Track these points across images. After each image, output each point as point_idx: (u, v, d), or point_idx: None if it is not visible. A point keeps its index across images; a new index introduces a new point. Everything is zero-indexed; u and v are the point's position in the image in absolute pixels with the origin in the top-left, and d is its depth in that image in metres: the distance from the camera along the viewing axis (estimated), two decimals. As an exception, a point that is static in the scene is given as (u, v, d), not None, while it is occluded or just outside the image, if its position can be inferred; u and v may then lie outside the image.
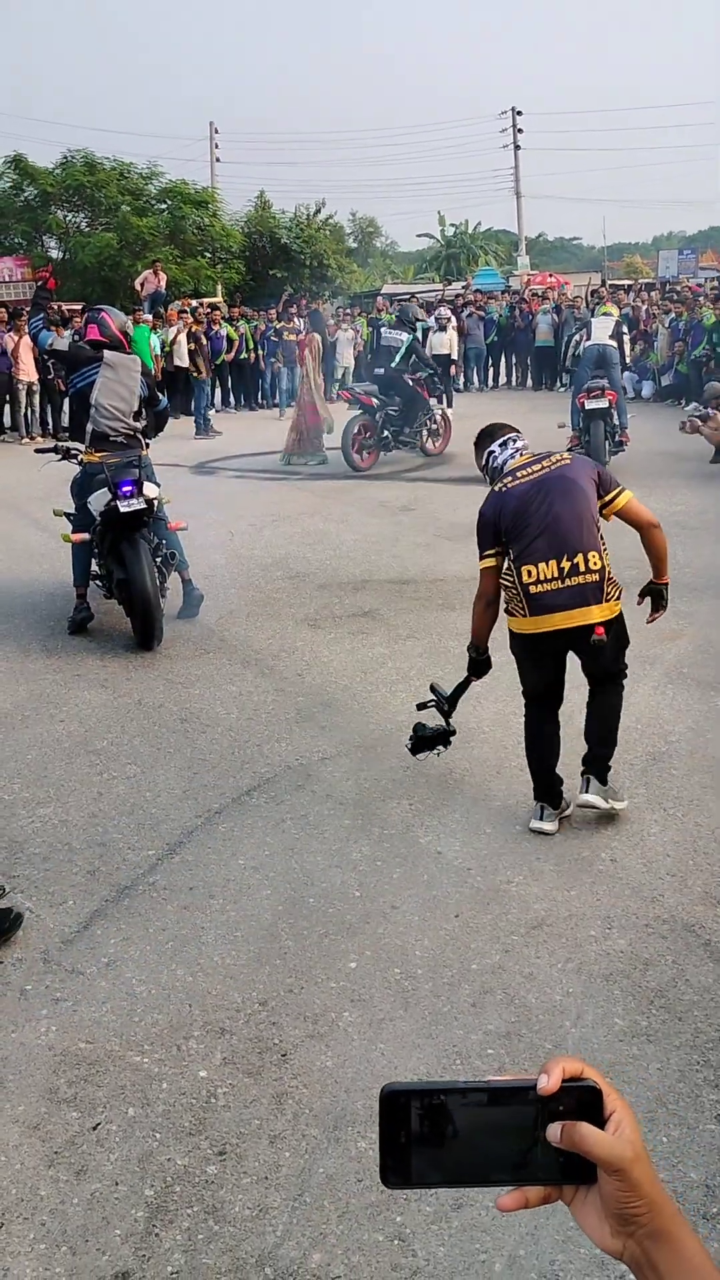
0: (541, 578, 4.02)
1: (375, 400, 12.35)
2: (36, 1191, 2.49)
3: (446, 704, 4.64)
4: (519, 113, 41.06)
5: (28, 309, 11.89)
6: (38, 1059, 2.94)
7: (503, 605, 4.31)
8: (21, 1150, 2.62)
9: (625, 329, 13.81)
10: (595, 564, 4.01)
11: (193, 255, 30.10)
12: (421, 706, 4.70)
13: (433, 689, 4.71)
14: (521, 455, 4.34)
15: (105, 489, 6.19)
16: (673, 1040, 2.95)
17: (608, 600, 4.06)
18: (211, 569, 7.91)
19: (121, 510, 6.11)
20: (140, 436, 6.69)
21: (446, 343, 18.38)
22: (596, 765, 4.20)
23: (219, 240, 31.15)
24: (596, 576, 4.01)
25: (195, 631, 6.72)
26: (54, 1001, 3.18)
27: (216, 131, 39.78)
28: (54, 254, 30.63)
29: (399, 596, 7.38)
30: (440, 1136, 0.74)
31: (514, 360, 22.67)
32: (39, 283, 7.85)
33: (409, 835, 4.12)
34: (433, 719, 4.63)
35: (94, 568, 6.77)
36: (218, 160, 39.53)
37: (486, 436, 4.51)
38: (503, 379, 22.92)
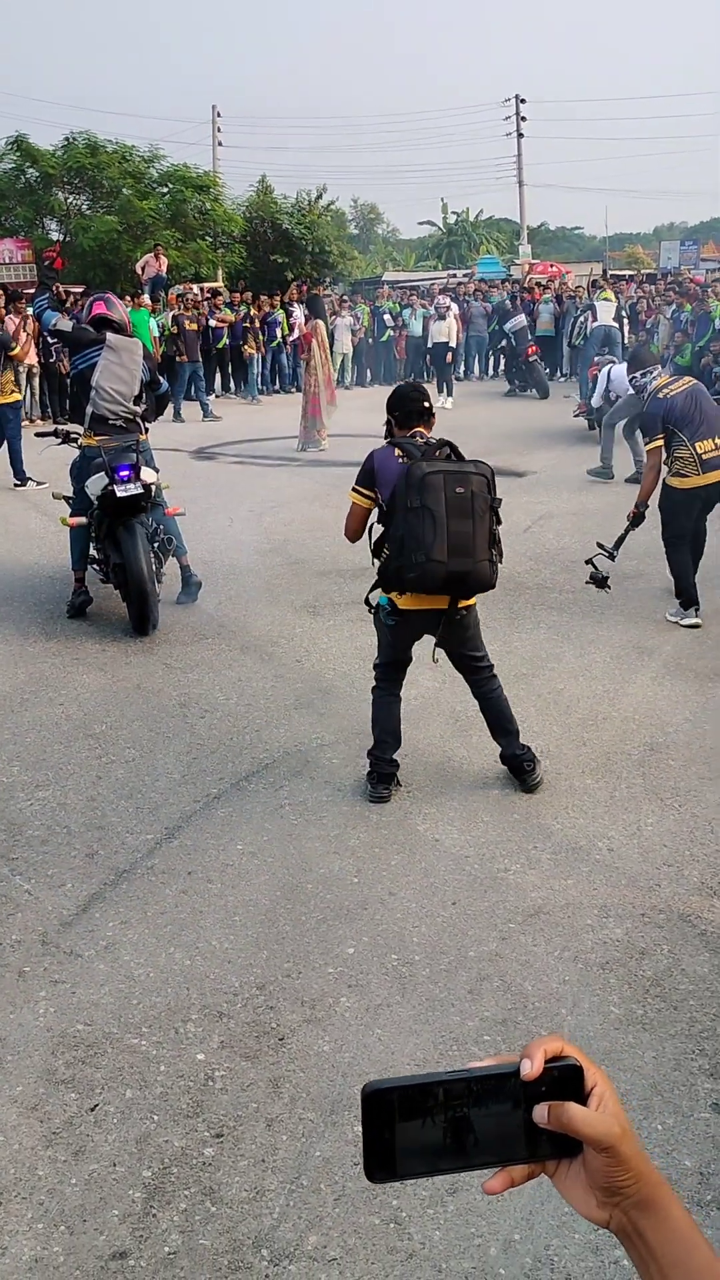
0: (708, 450, 6.23)
1: None
2: (35, 1171, 2.51)
3: (612, 552, 6.41)
4: (522, 100, 40.85)
5: (28, 292, 11.88)
6: (36, 1040, 2.95)
7: (667, 472, 6.38)
8: (20, 1131, 2.63)
9: (625, 314, 14.77)
10: None
11: (194, 239, 29.95)
12: (589, 561, 6.30)
13: (599, 545, 6.36)
14: (663, 377, 6.71)
15: (103, 473, 6.17)
16: (668, 1029, 2.97)
17: None
18: (211, 554, 7.91)
19: (119, 495, 6.09)
20: (140, 421, 6.67)
21: (445, 331, 18.30)
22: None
23: (220, 224, 30.98)
24: None
25: (194, 617, 6.72)
26: (52, 984, 3.19)
27: (219, 115, 39.57)
28: (55, 236, 30.47)
29: (398, 584, 7.37)
30: (424, 1128, 0.74)
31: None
32: (46, 262, 7.83)
33: (407, 822, 4.14)
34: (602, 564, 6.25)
35: (92, 552, 6.76)
36: (220, 144, 39.34)
37: (635, 362, 7.20)
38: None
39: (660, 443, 6.30)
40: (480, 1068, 0.76)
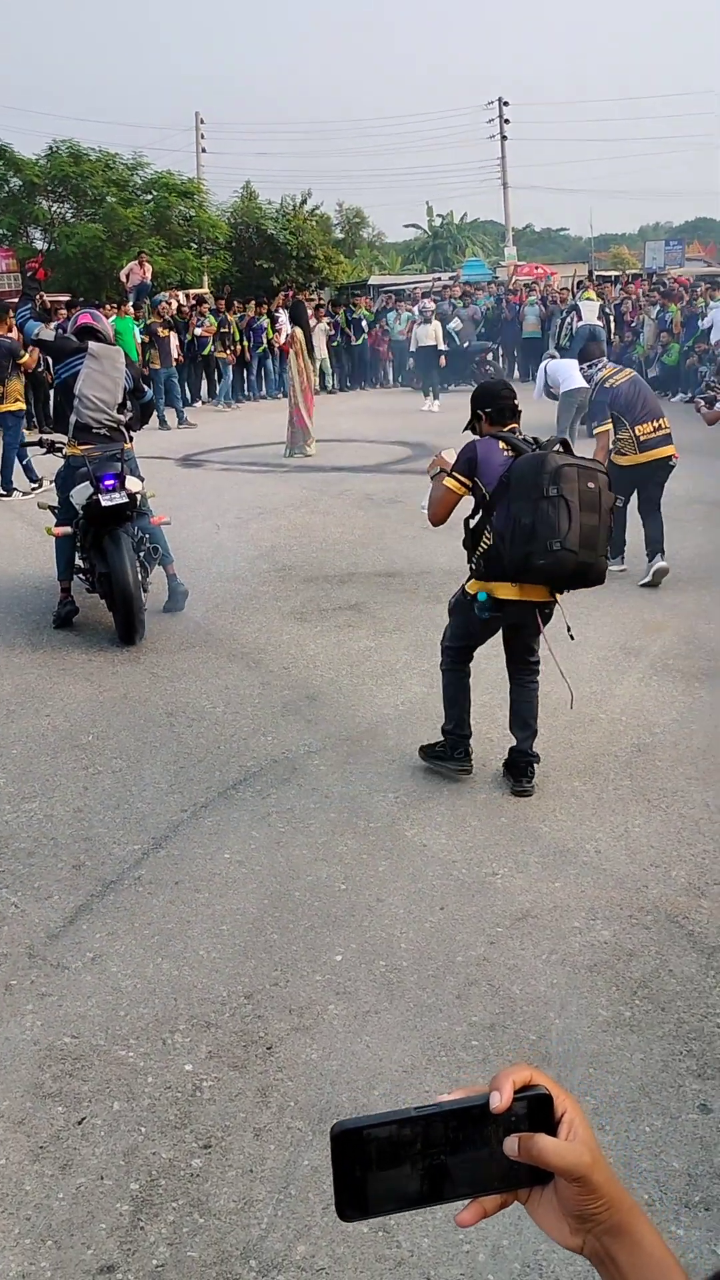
0: (647, 432, 7.08)
1: None
2: (21, 1186, 2.50)
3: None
4: (506, 103, 40.97)
5: (12, 301, 11.84)
6: (22, 1054, 2.94)
7: (616, 450, 7.12)
8: (6, 1145, 2.62)
9: (609, 313, 15.33)
10: (668, 425, 7.18)
11: (179, 246, 29.96)
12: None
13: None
14: (608, 369, 7.51)
15: (87, 483, 6.16)
16: (656, 1030, 2.97)
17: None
18: (197, 563, 7.90)
19: (104, 504, 6.08)
20: (124, 430, 6.66)
21: (432, 334, 18.33)
22: (654, 547, 7.29)
23: (205, 231, 31.00)
24: (669, 429, 7.20)
25: (181, 625, 6.71)
26: (39, 996, 3.18)
27: (202, 122, 39.58)
28: (39, 245, 30.42)
29: (385, 589, 7.38)
30: (394, 1165, 0.74)
31: (500, 351, 22.65)
32: (29, 272, 7.83)
33: (395, 828, 4.13)
34: None
35: (77, 561, 6.75)
36: (204, 151, 39.36)
37: (584, 355, 8.41)
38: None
39: (609, 426, 7.17)
40: (449, 1102, 0.76)
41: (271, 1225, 2.37)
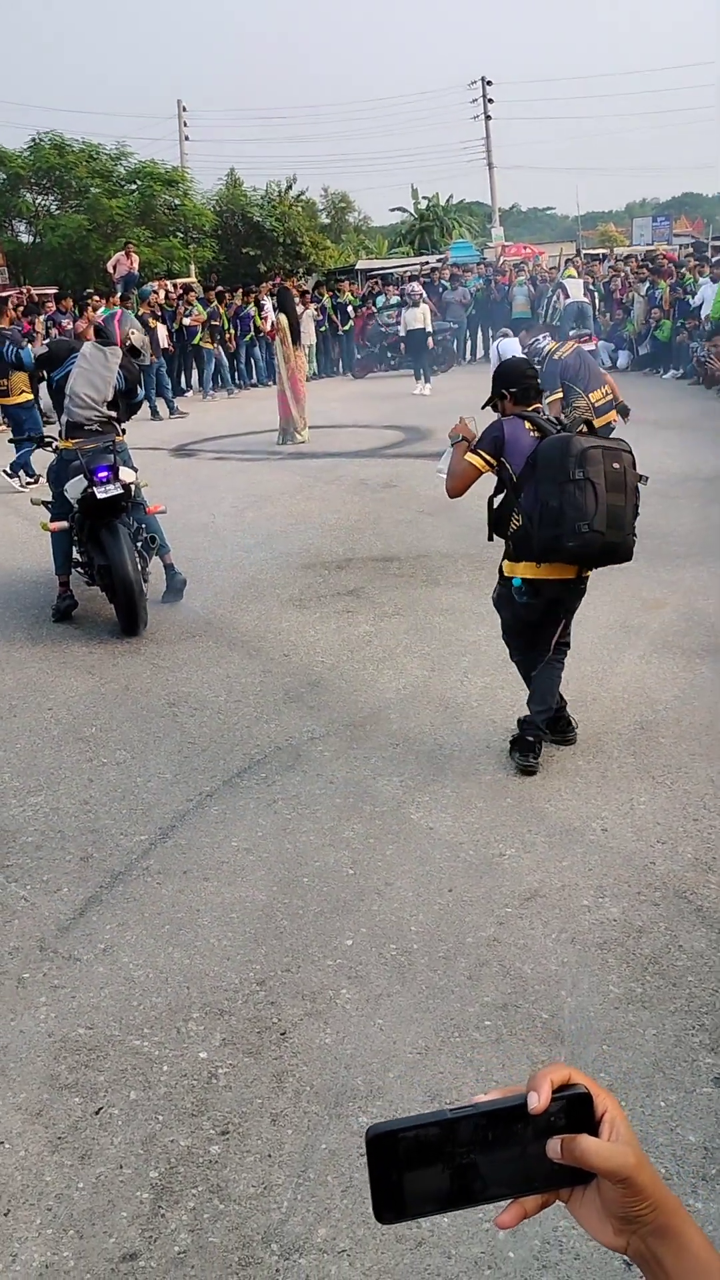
0: (599, 398, 7.84)
1: None
2: (41, 1177, 2.51)
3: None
4: (489, 83, 40.73)
5: (10, 294, 11.83)
6: (38, 1046, 2.95)
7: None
8: (25, 1137, 2.63)
9: (594, 289, 15.83)
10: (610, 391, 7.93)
11: (165, 235, 29.82)
12: None
13: None
14: (553, 343, 8.23)
15: (81, 476, 6.15)
16: (668, 1006, 2.98)
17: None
18: (194, 552, 7.89)
19: (98, 496, 6.07)
20: (115, 422, 6.65)
21: (420, 318, 18.25)
22: None
23: (191, 220, 30.85)
24: (614, 396, 7.95)
25: (180, 615, 6.71)
26: (52, 989, 3.19)
27: (185, 110, 39.33)
28: (24, 238, 30.30)
29: (383, 574, 7.37)
30: (431, 1167, 0.73)
31: (490, 333, 22.57)
32: None
33: (400, 812, 4.14)
34: None
35: (75, 555, 6.74)
36: (187, 139, 39.12)
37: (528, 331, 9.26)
38: (480, 352, 22.83)
39: (560, 395, 7.81)
40: (486, 1102, 0.74)
41: (291, 1209, 2.38)
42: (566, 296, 16.01)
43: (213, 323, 18.72)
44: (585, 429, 4.34)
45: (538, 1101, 0.73)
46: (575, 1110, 0.75)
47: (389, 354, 20.45)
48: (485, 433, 4.44)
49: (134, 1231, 2.35)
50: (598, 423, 7.75)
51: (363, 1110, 2.66)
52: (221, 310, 19.19)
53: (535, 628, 4.53)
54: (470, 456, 4.44)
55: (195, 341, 18.77)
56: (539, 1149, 0.74)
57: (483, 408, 4.72)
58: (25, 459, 11.06)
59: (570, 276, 17.55)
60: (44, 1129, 2.66)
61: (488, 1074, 2.76)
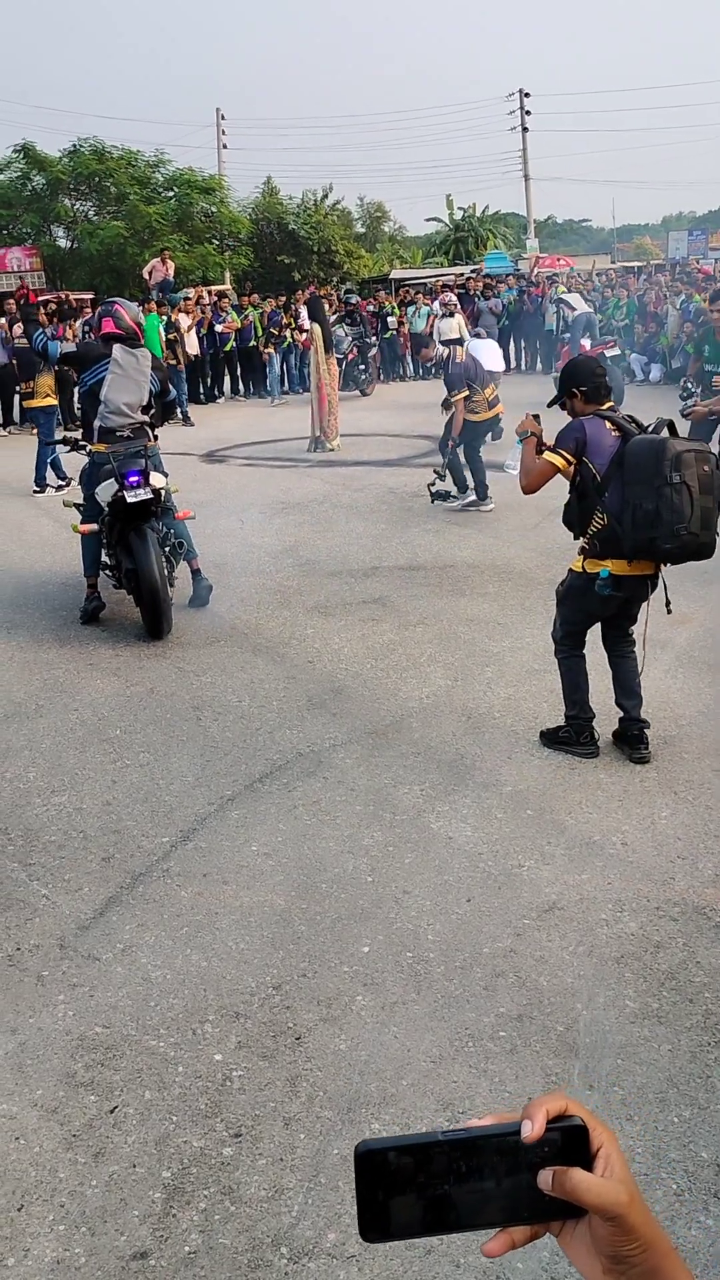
0: (490, 394, 9.47)
1: None
2: (55, 1174, 2.53)
3: (440, 472, 9.69)
4: (527, 94, 40.79)
5: (35, 300, 11.94)
6: (55, 1044, 2.98)
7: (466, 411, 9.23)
8: (40, 1133, 2.66)
9: (592, 300, 18.79)
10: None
11: (201, 242, 30.04)
12: (430, 484, 9.71)
13: (435, 470, 9.75)
14: (460, 350, 9.59)
15: (113, 479, 6.20)
16: (684, 1021, 2.97)
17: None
18: (221, 557, 7.93)
19: (128, 500, 6.12)
20: (148, 427, 6.70)
21: (454, 328, 18.25)
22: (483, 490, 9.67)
23: (227, 227, 31.07)
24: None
25: (206, 620, 6.75)
26: (71, 987, 3.22)
27: (223, 118, 39.64)
28: (62, 243, 30.58)
29: (409, 583, 7.39)
30: (419, 1189, 0.71)
31: (523, 344, 22.57)
32: (21, 300, 7.93)
33: (420, 821, 4.15)
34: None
35: (104, 558, 6.80)
36: (225, 147, 39.42)
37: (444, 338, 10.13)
38: (512, 363, 22.83)
39: (466, 393, 9.26)
40: (479, 1128, 0.73)
41: (302, 1213, 2.39)
42: (573, 310, 17.00)
43: (272, 329, 18.82)
44: (668, 431, 4.36)
45: (531, 1130, 0.71)
46: (570, 1142, 0.73)
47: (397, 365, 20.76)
48: (566, 432, 4.47)
49: (145, 1230, 2.37)
50: (488, 414, 9.54)
51: (375, 1117, 2.67)
52: (253, 315, 19.29)
53: (605, 621, 4.64)
54: (550, 455, 4.47)
55: (226, 348, 18.88)
56: (531, 1179, 0.72)
57: (549, 406, 4.79)
58: (44, 469, 11.14)
59: (564, 293, 18.97)
60: (59, 1126, 2.68)
61: (501, 1085, 2.76)
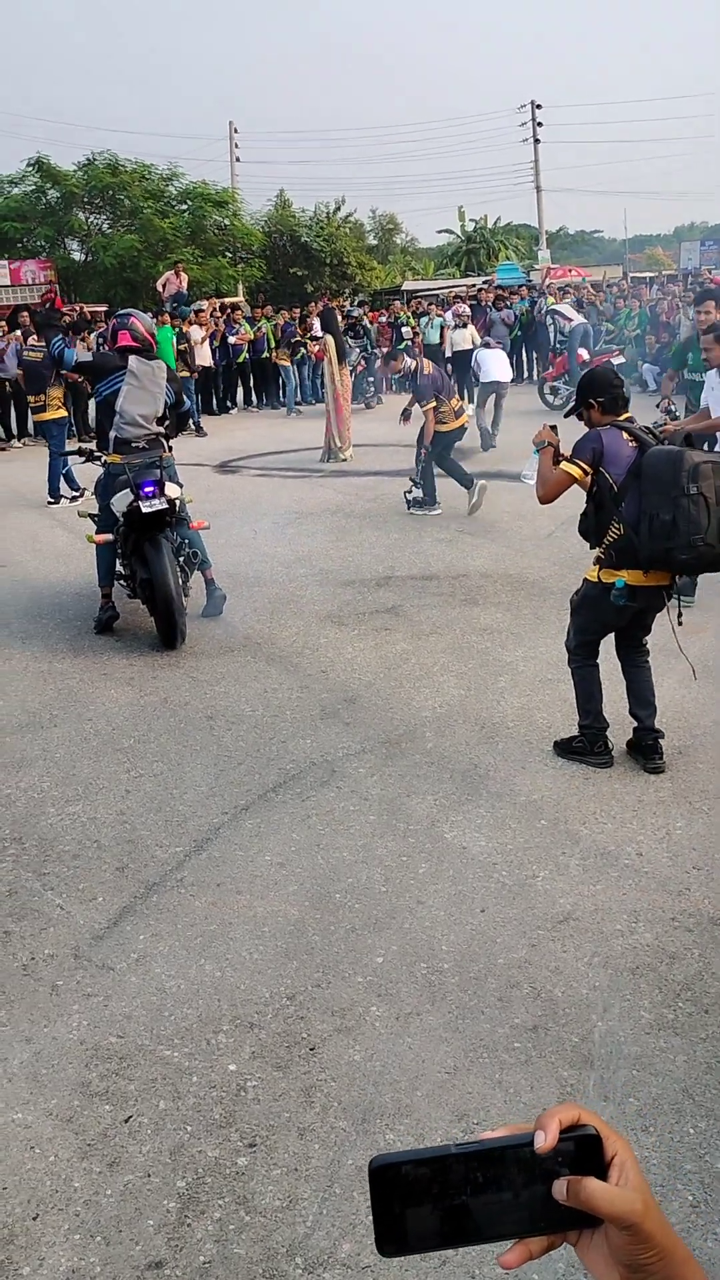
0: (456, 405, 9.87)
1: None
2: (70, 1183, 2.53)
3: (418, 481, 10.05)
4: (538, 106, 40.92)
5: (47, 311, 12.01)
6: (70, 1053, 2.98)
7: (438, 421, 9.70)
8: (55, 1143, 2.66)
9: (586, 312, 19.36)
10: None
11: (214, 255, 30.17)
12: (407, 493, 10.05)
13: (410, 479, 10.12)
14: (426, 363, 9.87)
15: (128, 490, 6.23)
16: (699, 1033, 2.96)
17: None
18: (235, 567, 7.95)
19: (143, 511, 6.15)
20: (163, 438, 6.73)
21: (467, 339, 18.29)
22: (466, 481, 9.94)
23: (240, 239, 31.21)
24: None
25: (219, 630, 6.76)
26: (85, 997, 3.22)
27: (236, 131, 39.86)
28: (76, 256, 30.77)
29: (422, 592, 7.39)
30: (435, 1202, 0.71)
31: (534, 355, 22.58)
32: (46, 304, 7.97)
33: (434, 831, 4.14)
34: None
35: (118, 568, 6.82)
36: (238, 160, 39.62)
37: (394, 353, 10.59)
38: (524, 373, 22.83)
39: (434, 403, 9.60)
40: (492, 1139, 0.73)
41: (317, 1223, 2.39)
42: (569, 320, 17.57)
43: (293, 340, 18.87)
44: (685, 442, 4.37)
45: (544, 1141, 0.71)
46: (584, 1152, 0.73)
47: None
48: (583, 442, 4.48)
49: (160, 1240, 2.36)
50: (455, 424, 9.82)
51: (389, 1128, 2.66)
52: (267, 327, 19.36)
53: (619, 630, 4.63)
54: (567, 466, 4.48)
55: (239, 360, 18.94)
56: (546, 1190, 0.72)
57: (565, 416, 4.79)
58: (58, 480, 11.19)
59: (553, 303, 19.74)
60: (74, 1135, 2.68)
61: (516, 1096, 2.75)
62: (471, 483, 9.82)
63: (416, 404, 9.98)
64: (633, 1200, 0.71)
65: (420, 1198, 0.71)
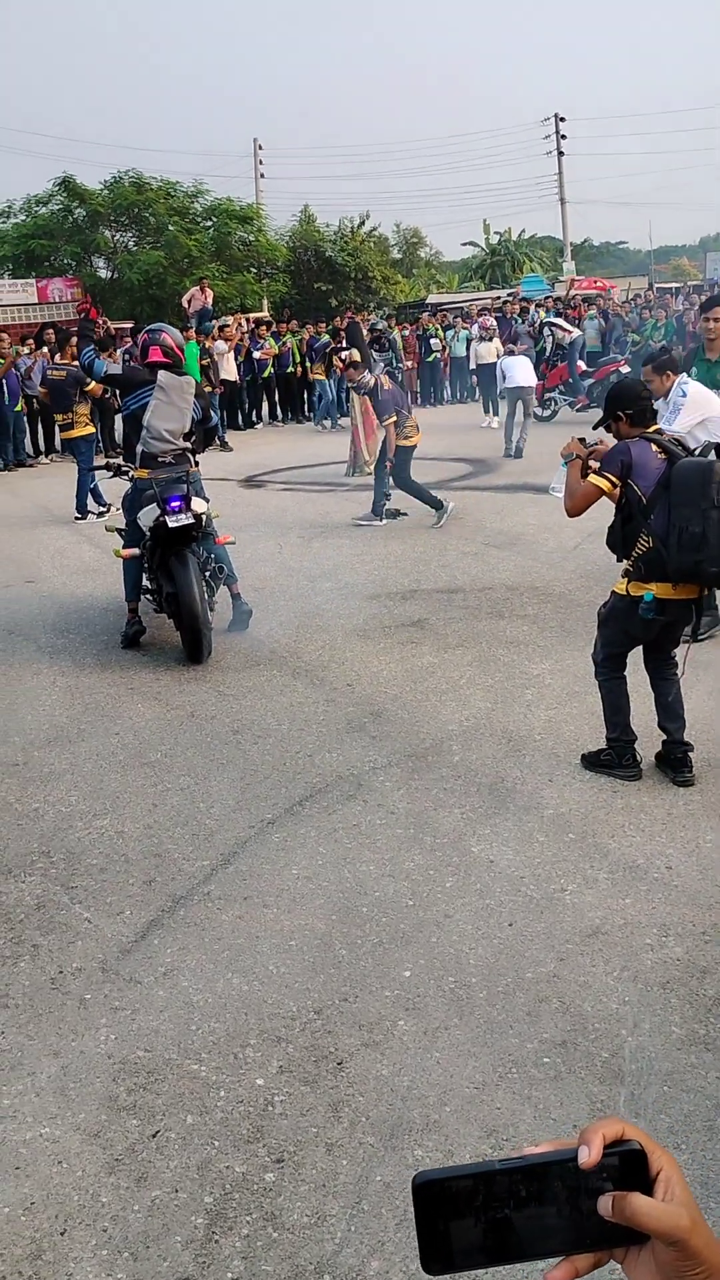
0: (414, 422, 9.98)
1: None
2: (98, 1198, 2.53)
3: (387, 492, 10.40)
4: (562, 119, 40.96)
5: (75, 329, 12.08)
6: (97, 1067, 2.98)
7: (398, 435, 9.89)
8: (83, 1157, 2.66)
9: (581, 327, 20.32)
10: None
11: (239, 271, 30.37)
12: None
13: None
14: (384, 379, 10.16)
15: (154, 504, 6.26)
16: (731, 1049, 2.92)
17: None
18: (261, 581, 7.97)
19: (170, 525, 6.18)
20: (190, 454, 6.76)
21: (492, 352, 18.31)
22: (434, 503, 10.15)
23: (265, 255, 31.39)
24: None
25: (245, 644, 6.77)
26: (113, 1010, 3.23)
27: (260, 148, 40.14)
28: (102, 273, 31.05)
29: (448, 605, 7.38)
30: (480, 1219, 0.71)
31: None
32: (81, 314, 8.02)
33: (461, 844, 4.12)
34: None
35: (145, 582, 6.86)
36: (262, 176, 39.88)
37: (363, 364, 10.55)
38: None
39: (394, 418, 9.77)
40: (536, 1155, 0.72)
41: (345, 1240, 2.37)
42: (569, 334, 18.65)
43: (327, 351, 18.93)
44: (716, 454, 4.36)
45: (589, 1156, 0.70)
46: (629, 1167, 0.72)
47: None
48: (612, 454, 4.46)
49: (188, 1256, 2.36)
50: (417, 438, 10.03)
51: (418, 1144, 2.65)
52: (291, 342, 19.44)
53: (647, 643, 4.60)
54: (595, 478, 4.46)
55: (264, 375, 19.02)
56: (591, 1206, 0.71)
57: (594, 428, 4.78)
58: (85, 496, 11.26)
59: (545, 316, 20.95)
60: (101, 1150, 2.68)
61: (545, 1112, 2.73)
62: (441, 504, 9.97)
63: (377, 420, 10.33)
64: (679, 1216, 0.70)
65: (464, 1214, 0.71)
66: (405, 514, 10.35)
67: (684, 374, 6.11)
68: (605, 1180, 0.71)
